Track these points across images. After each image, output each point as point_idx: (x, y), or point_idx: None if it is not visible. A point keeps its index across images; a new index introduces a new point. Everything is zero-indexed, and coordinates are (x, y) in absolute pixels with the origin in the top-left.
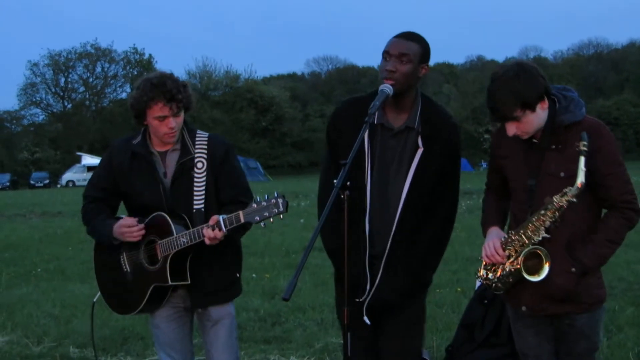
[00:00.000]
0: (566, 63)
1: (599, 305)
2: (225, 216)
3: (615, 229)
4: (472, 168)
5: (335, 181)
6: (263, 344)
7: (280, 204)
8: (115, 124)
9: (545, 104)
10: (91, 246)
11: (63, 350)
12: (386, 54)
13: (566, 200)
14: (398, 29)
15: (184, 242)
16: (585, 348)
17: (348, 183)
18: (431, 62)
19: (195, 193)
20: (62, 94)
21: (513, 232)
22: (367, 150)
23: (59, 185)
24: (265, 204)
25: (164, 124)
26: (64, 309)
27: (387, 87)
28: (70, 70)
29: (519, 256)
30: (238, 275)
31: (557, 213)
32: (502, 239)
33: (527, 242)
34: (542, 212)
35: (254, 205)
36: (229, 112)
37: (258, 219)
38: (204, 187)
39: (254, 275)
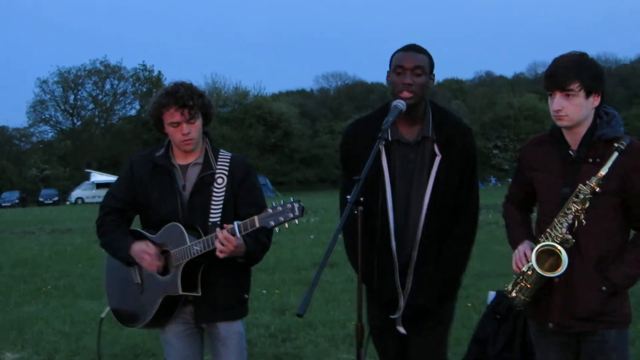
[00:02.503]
0: None
1: (627, 325)
2: (239, 222)
3: None
4: (482, 184)
5: (348, 197)
6: None
7: (296, 209)
8: (124, 140)
9: (597, 101)
10: (101, 262)
11: None
12: (400, 68)
13: (589, 190)
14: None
15: (197, 250)
16: None
17: (362, 199)
18: (439, 78)
19: (212, 207)
20: (71, 111)
21: (541, 236)
22: (385, 167)
23: (67, 203)
24: (280, 208)
25: (178, 130)
26: (74, 326)
27: (400, 103)
28: (80, 87)
29: (532, 252)
30: (246, 296)
31: (580, 206)
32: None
33: (551, 234)
34: (566, 206)
35: (269, 210)
36: (237, 128)
37: (273, 223)
38: (221, 203)
39: (264, 291)
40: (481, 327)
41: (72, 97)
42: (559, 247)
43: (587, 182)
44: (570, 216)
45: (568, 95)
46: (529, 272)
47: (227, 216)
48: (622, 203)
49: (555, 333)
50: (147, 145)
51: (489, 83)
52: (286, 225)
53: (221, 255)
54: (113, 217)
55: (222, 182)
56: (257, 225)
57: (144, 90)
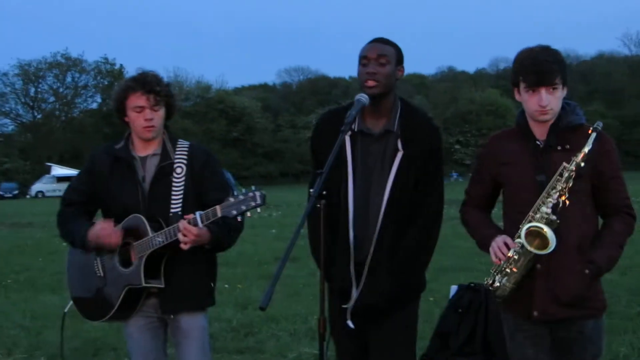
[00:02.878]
0: None
1: (604, 312)
2: (201, 212)
3: (620, 232)
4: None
5: (311, 190)
6: (236, 354)
7: (258, 197)
8: (85, 134)
9: (566, 91)
10: (62, 257)
11: None
12: (364, 58)
13: (575, 166)
14: (368, 39)
15: (159, 241)
16: (592, 354)
17: (324, 192)
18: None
19: (172, 197)
20: (31, 104)
21: (524, 220)
22: (348, 158)
23: (28, 196)
24: (242, 197)
25: (142, 115)
26: (34, 320)
27: (363, 97)
28: (40, 80)
29: (520, 232)
30: (212, 285)
31: (564, 185)
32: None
33: (535, 217)
34: (550, 186)
35: (231, 199)
36: (200, 122)
37: (235, 212)
38: (182, 192)
39: (226, 285)
40: (443, 321)
41: (32, 89)
42: (545, 228)
43: (573, 158)
44: (555, 195)
45: (553, 89)
46: (516, 256)
47: (189, 206)
48: (592, 187)
49: (534, 323)
50: (109, 139)
51: (451, 78)
52: (248, 213)
53: (184, 247)
54: (72, 209)
55: (182, 172)
56: (219, 214)
57: (106, 83)
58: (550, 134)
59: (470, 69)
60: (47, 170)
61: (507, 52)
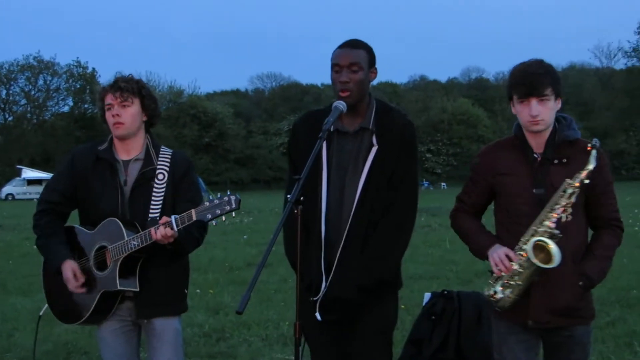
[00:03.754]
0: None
1: (592, 319)
2: (177, 216)
3: (609, 245)
4: None
5: (289, 196)
6: (208, 359)
7: (233, 201)
8: (56, 137)
9: (559, 103)
10: (33, 259)
11: None
12: (336, 66)
13: (578, 183)
14: None
15: (134, 245)
16: (579, 357)
17: (302, 198)
18: (374, 82)
19: (152, 203)
20: (2, 106)
21: (526, 234)
22: (324, 156)
23: None
24: (217, 201)
25: (110, 112)
26: (5, 323)
27: (340, 104)
28: (12, 83)
29: (526, 244)
30: (185, 291)
31: (567, 201)
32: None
33: (538, 231)
34: (553, 202)
35: (207, 203)
36: (172, 127)
37: (210, 216)
38: (161, 199)
39: (198, 290)
40: (416, 328)
41: (4, 92)
42: (550, 243)
43: (577, 175)
44: (560, 211)
45: (542, 100)
46: (520, 270)
47: (166, 212)
48: (585, 202)
49: (526, 332)
50: (80, 142)
51: (423, 87)
52: (223, 218)
53: (155, 239)
54: (49, 217)
55: (163, 178)
56: (194, 218)
57: (78, 86)
58: (547, 148)
59: (442, 78)
60: (18, 173)
61: (478, 62)
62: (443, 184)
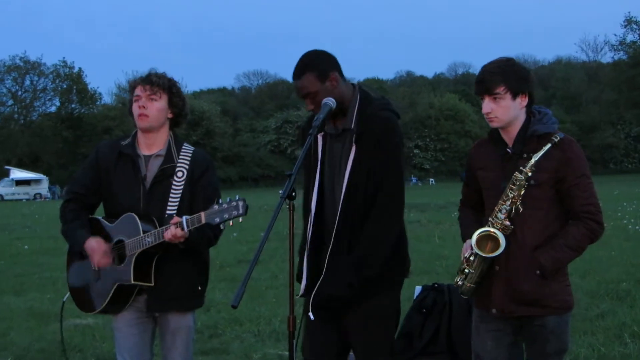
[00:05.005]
0: None
1: (567, 311)
2: (187, 217)
3: (574, 236)
4: None
5: (280, 192)
6: (201, 356)
7: (240, 207)
8: (44, 137)
9: (525, 101)
10: (24, 259)
11: None
12: (299, 96)
13: (524, 177)
14: (327, 45)
15: (149, 241)
16: (556, 347)
17: (293, 193)
18: (361, 78)
19: (170, 199)
20: None
21: (484, 225)
22: (318, 158)
23: None
24: (225, 206)
25: (137, 104)
26: None
27: (330, 100)
28: None
29: (472, 237)
30: (200, 288)
31: (516, 193)
32: None
33: (493, 222)
34: (504, 194)
35: (215, 206)
36: None
37: (218, 220)
38: (179, 196)
39: None
40: (407, 321)
41: None
42: (494, 231)
43: (522, 168)
44: (508, 202)
45: (495, 98)
46: (471, 258)
47: (183, 209)
48: (557, 194)
49: (497, 319)
50: (68, 143)
51: (410, 83)
52: (230, 222)
53: (167, 239)
54: (75, 205)
55: (182, 176)
56: (203, 221)
57: (64, 86)
58: (516, 142)
59: (429, 73)
60: (6, 174)
61: (465, 57)
62: (431, 179)
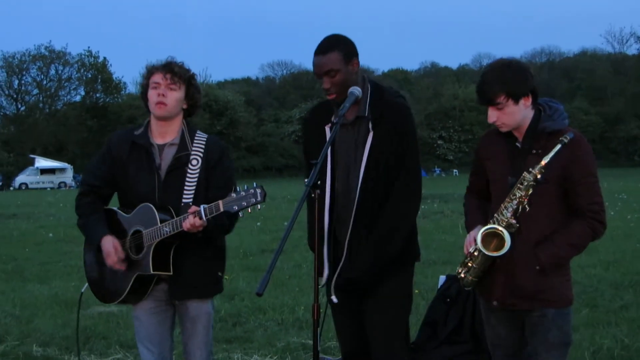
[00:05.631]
0: None
1: (566, 305)
2: (205, 206)
3: (577, 233)
4: (426, 174)
5: (306, 180)
6: (225, 344)
7: (259, 194)
8: (68, 126)
9: (529, 101)
10: (47, 247)
11: (26, 349)
12: (315, 74)
13: (532, 177)
14: (352, 34)
15: (166, 231)
16: (559, 338)
17: (319, 182)
18: (385, 68)
19: (186, 188)
20: (15, 96)
21: (489, 221)
22: (329, 149)
23: (11, 188)
24: (243, 193)
25: (156, 91)
26: (24, 309)
27: (356, 90)
28: (24, 73)
29: (478, 234)
30: (220, 274)
31: (524, 193)
32: None
33: (498, 219)
34: (511, 192)
35: (233, 195)
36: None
37: (236, 208)
38: (195, 184)
39: None
40: (431, 310)
41: (16, 82)
42: (501, 229)
43: (531, 169)
44: (515, 202)
45: (498, 107)
46: (475, 254)
47: (199, 197)
48: (563, 192)
49: (501, 310)
50: (92, 132)
51: (434, 74)
52: (249, 210)
53: (186, 229)
54: (90, 197)
55: (197, 164)
56: (222, 209)
57: (89, 76)
58: (526, 138)
59: (454, 64)
60: (31, 162)
61: (490, 48)
62: (455, 170)
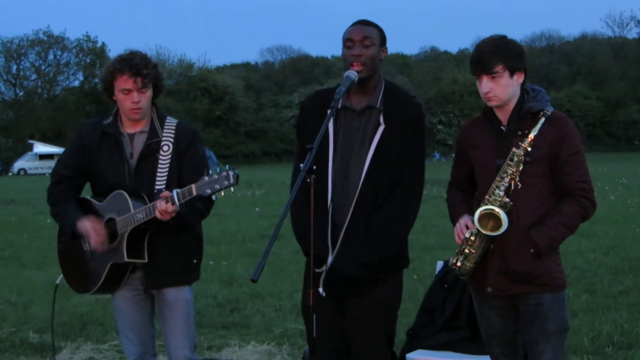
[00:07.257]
0: None
1: (561, 289)
2: (178, 190)
3: (568, 214)
4: (426, 159)
5: (301, 165)
6: (222, 330)
7: (232, 176)
8: (67, 112)
9: (522, 78)
10: (47, 233)
11: (22, 336)
12: (349, 41)
13: (523, 152)
14: (351, 20)
15: (140, 217)
16: (557, 326)
17: (314, 167)
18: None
19: (158, 175)
20: (13, 81)
21: (481, 204)
22: (330, 132)
23: (10, 174)
24: (216, 176)
25: (129, 97)
26: (21, 295)
27: (352, 74)
28: (22, 58)
29: (474, 215)
30: (195, 261)
31: (515, 169)
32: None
33: (490, 200)
34: (502, 170)
35: (206, 178)
36: (182, 101)
37: (209, 191)
38: (167, 170)
39: (211, 262)
40: (429, 296)
41: (14, 67)
42: (497, 209)
43: (520, 144)
44: (507, 179)
45: (494, 77)
46: (472, 238)
47: (172, 183)
48: (552, 172)
49: (494, 297)
50: (91, 117)
51: (434, 58)
52: (222, 193)
53: (159, 217)
54: (63, 186)
55: (168, 150)
56: (195, 193)
57: (88, 61)
58: (510, 119)
59: (453, 49)
60: (30, 148)
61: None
62: (454, 155)
